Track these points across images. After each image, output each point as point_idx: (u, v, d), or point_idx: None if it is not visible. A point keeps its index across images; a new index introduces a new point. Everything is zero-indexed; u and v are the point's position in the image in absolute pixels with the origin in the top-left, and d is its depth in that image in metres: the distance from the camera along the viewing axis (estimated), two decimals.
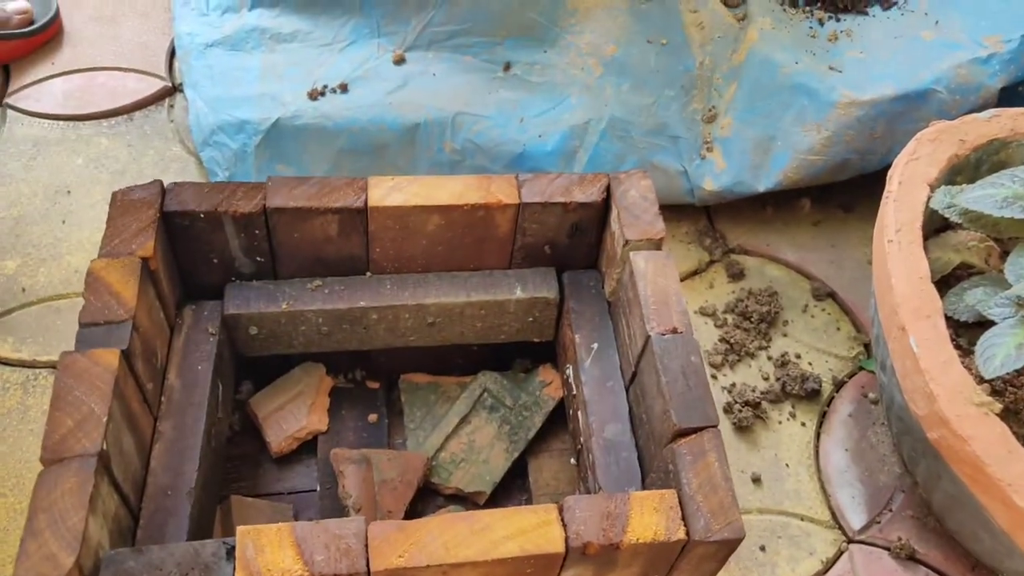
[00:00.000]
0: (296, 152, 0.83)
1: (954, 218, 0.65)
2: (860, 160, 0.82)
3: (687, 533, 0.47)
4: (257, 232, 0.58)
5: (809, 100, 0.80)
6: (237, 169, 0.83)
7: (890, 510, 0.72)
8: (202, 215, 0.56)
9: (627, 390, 0.59)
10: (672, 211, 0.88)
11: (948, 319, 0.62)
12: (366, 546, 0.44)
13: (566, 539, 0.46)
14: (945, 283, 0.66)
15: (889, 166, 0.70)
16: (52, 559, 0.41)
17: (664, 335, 0.54)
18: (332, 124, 0.82)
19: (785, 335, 0.82)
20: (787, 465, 0.74)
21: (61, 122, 0.90)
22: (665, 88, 0.83)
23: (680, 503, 0.48)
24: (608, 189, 0.61)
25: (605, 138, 0.81)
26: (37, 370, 0.73)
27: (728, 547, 0.48)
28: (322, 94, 0.85)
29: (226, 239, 0.58)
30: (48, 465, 0.44)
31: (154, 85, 0.94)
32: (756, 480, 0.73)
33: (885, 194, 0.67)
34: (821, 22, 0.86)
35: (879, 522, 0.72)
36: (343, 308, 0.61)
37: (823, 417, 0.78)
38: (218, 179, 0.84)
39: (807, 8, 0.88)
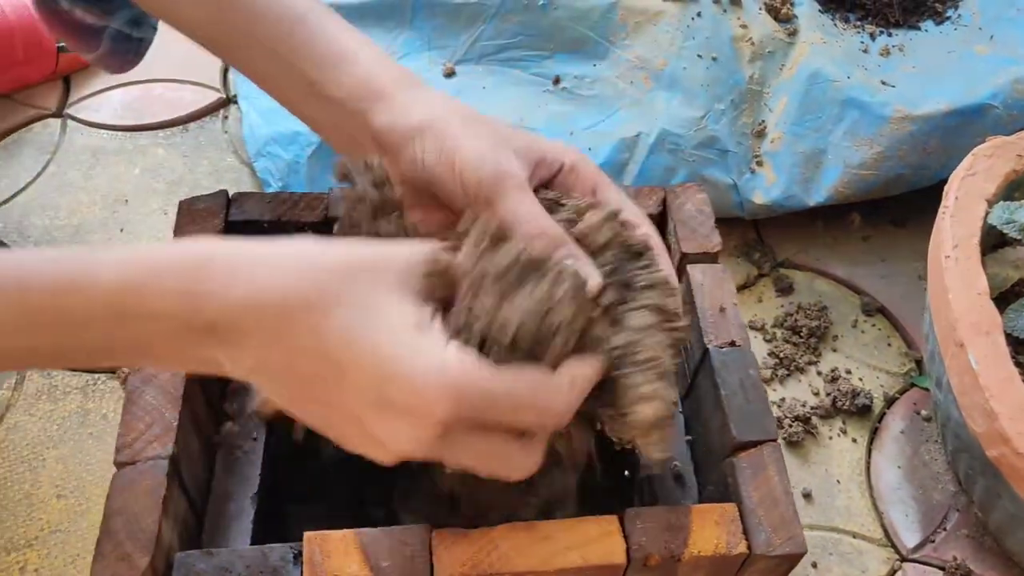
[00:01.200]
0: None
1: (1013, 234, 0.64)
2: (913, 175, 0.82)
3: (749, 547, 0.47)
4: None
5: (861, 114, 0.80)
6: (290, 179, 0.84)
7: (944, 529, 0.71)
8: (266, 224, 0.57)
9: (682, 402, 0.59)
10: (720, 225, 0.86)
11: (1007, 336, 0.61)
12: (430, 553, 0.45)
13: (628, 550, 0.46)
14: (1004, 299, 0.65)
15: (942, 181, 0.70)
16: (128, 559, 0.42)
17: (722, 348, 0.54)
18: None
19: (835, 350, 0.82)
20: (838, 481, 0.74)
21: (119, 132, 0.93)
22: (715, 102, 0.84)
23: (741, 517, 0.48)
24: (664, 202, 0.61)
25: (655, 151, 0.82)
26: (96, 375, 0.75)
27: (790, 561, 0.48)
28: None
29: None
30: (121, 468, 0.45)
31: (209, 97, 0.96)
32: (807, 496, 0.73)
33: (941, 209, 0.67)
34: (873, 37, 0.86)
35: (933, 541, 0.71)
36: None
37: (874, 433, 0.77)
38: (271, 189, 0.86)
39: (858, 23, 0.88)
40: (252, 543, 0.51)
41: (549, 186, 0.49)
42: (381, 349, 0.37)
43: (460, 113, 0.48)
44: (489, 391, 0.38)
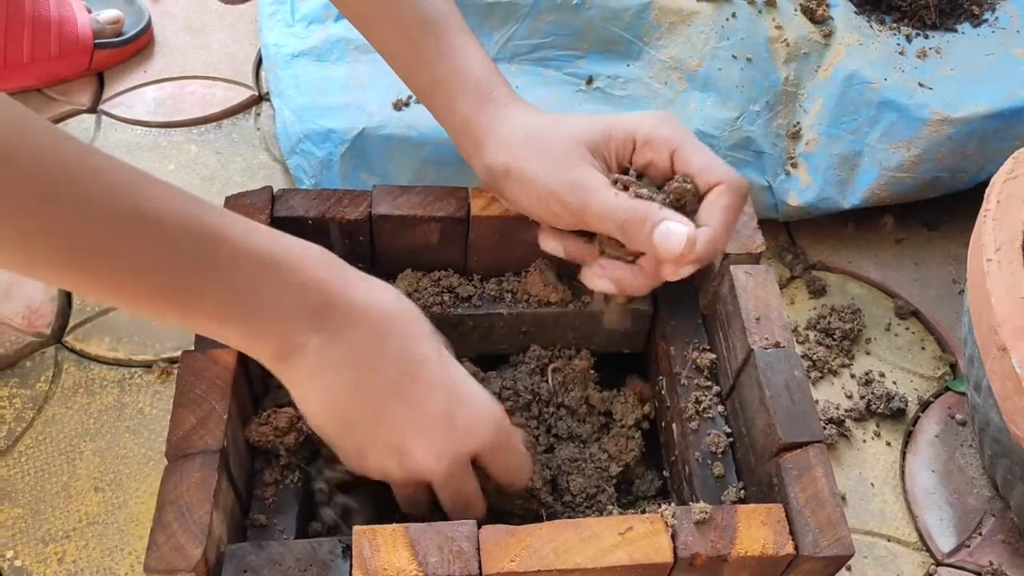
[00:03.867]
0: (381, 161, 0.84)
1: None
2: (950, 178, 0.81)
3: (796, 548, 0.47)
4: (361, 239, 0.59)
5: (898, 116, 0.80)
6: (323, 177, 0.85)
7: (980, 534, 0.71)
8: (310, 221, 0.57)
9: (723, 402, 0.59)
10: None
11: None
12: (478, 549, 0.45)
13: (674, 549, 0.46)
14: None
15: (979, 184, 0.69)
16: (181, 550, 0.42)
17: (767, 349, 0.54)
18: (417, 134, 0.83)
19: (868, 353, 0.81)
20: (872, 485, 0.74)
21: (153, 129, 0.93)
22: (750, 103, 0.83)
23: (788, 517, 0.48)
24: None
25: None
26: (133, 369, 0.76)
27: (837, 563, 0.48)
28: (407, 104, 0.86)
29: (331, 245, 0.59)
30: (173, 460, 0.46)
31: (242, 94, 0.97)
32: (841, 499, 0.72)
33: (982, 212, 0.66)
34: (909, 39, 0.85)
35: (968, 546, 0.70)
36: (439, 314, 0.62)
37: (908, 437, 0.77)
38: (304, 187, 0.86)
39: (894, 25, 0.87)
40: (297, 537, 0.51)
41: (632, 163, 0.54)
42: (456, 381, 0.48)
43: (527, 142, 0.54)
44: (512, 434, 0.51)
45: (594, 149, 0.53)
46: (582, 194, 0.51)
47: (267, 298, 0.43)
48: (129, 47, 0.98)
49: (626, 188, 0.52)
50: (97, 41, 0.95)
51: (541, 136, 0.54)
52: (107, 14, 0.96)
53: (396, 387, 0.46)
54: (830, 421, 0.75)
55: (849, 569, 0.69)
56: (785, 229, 0.90)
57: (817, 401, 0.77)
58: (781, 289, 0.86)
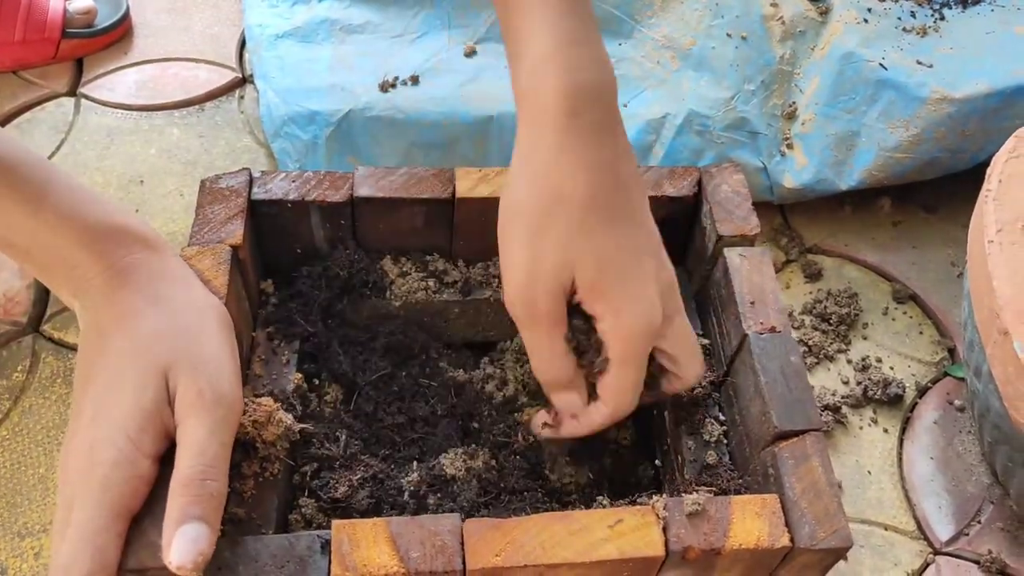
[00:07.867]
0: (367, 144, 0.82)
1: None
2: (950, 158, 0.80)
3: (792, 540, 0.45)
4: (343, 222, 0.57)
5: (897, 95, 0.78)
6: (308, 160, 0.83)
7: (979, 522, 0.70)
8: (290, 204, 0.55)
9: (717, 389, 0.57)
10: None
11: None
12: (462, 544, 0.43)
13: (666, 543, 0.44)
14: None
15: (978, 165, 0.68)
16: (152, 547, 0.41)
17: (762, 334, 0.52)
18: (404, 117, 0.81)
19: (865, 338, 0.80)
20: (869, 472, 0.72)
21: (134, 112, 0.91)
22: (744, 83, 0.81)
23: (783, 508, 0.46)
24: (699, 183, 0.59)
25: (682, 133, 0.80)
26: None
27: (834, 556, 0.46)
28: (393, 86, 0.84)
29: (311, 229, 0.57)
30: None
31: (225, 76, 0.94)
32: (838, 487, 0.71)
33: (983, 192, 0.65)
34: (913, 15, 0.83)
35: (967, 534, 0.69)
36: (423, 300, 0.60)
37: (906, 424, 0.75)
38: (289, 170, 0.84)
39: (893, 2, 0.85)
40: (276, 532, 0.49)
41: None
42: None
43: None
44: None
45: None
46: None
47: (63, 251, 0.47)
48: (99, 39, 0.94)
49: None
50: (66, 30, 0.91)
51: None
52: (78, 4, 0.93)
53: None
54: (826, 408, 0.74)
55: (846, 559, 0.67)
56: (780, 212, 0.88)
57: (813, 387, 0.75)
58: (776, 273, 0.84)
